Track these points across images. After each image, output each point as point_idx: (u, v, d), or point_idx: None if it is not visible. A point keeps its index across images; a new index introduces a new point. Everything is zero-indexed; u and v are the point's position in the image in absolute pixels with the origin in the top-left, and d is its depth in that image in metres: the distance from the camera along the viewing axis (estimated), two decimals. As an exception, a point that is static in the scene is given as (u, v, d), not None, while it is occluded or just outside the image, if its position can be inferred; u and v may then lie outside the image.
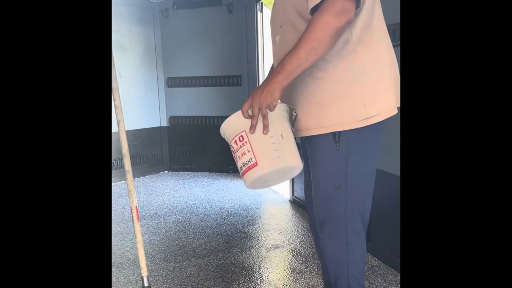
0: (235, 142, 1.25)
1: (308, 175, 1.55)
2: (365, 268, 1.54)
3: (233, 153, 1.30)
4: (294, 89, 1.32)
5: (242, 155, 1.24)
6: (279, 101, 1.26)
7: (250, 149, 1.22)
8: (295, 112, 1.31)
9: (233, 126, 1.26)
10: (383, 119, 1.30)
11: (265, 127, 1.21)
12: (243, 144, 1.23)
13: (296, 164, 1.29)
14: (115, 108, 1.51)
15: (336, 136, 1.30)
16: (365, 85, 1.27)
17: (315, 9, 1.18)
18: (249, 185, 1.28)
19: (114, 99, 1.47)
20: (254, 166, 1.22)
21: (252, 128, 1.21)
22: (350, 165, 1.32)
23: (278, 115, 1.26)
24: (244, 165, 1.25)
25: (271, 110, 1.21)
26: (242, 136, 1.23)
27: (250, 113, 1.22)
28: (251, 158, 1.23)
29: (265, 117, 1.20)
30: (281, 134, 1.24)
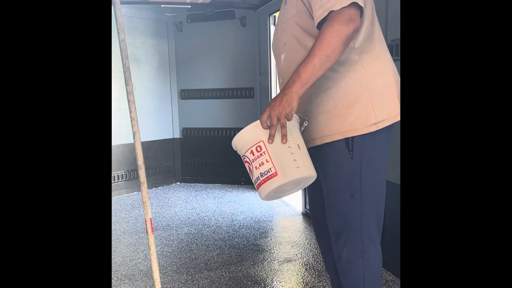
0: (252, 152, 1.25)
1: (312, 190, 1.55)
2: (382, 279, 1.50)
3: (247, 164, 1.29)
4: (304, 100, 1.32)
5: (260, 166, 1.23)
6: None
7: (269, 159, 1.22)
8: (306, 122, 1.32)
9: (250, 137, 1.26)
10: (391, 123, 1.35)
11: (284, 137, 1.21)
12: (260, 155, 1.23)
13: (312, 174, 1.30)
14: (131, 120, 1.53)
15: (349, 143, 1.32)
16: (373, 92, 1.31)
17: (321, 24, 1.24)
18: (265, 196, 1.27)
19: (130, 112, 1.48)
20: (274, 176, 1.22)
21: (271, 137, 1.21)
22: (364, 172, 1.34)
23: (293, 125, 1.27)
24: (261, 176, 1.24)
25: (289, 120, 1.21)
26: (259, 146, 1.23)
27: (268, 123, 1.22)
28: (270, 168, 1.22)
29: (284, 127, 1.21)
30: (298, 144, 1.25)
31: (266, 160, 1.22)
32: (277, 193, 1.32)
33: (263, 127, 1.22)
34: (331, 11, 1.21)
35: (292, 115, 1.21)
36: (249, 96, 4.73)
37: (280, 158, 1.22)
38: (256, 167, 1.25)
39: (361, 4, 1.23)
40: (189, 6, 4.47)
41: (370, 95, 1.31)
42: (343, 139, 1.33)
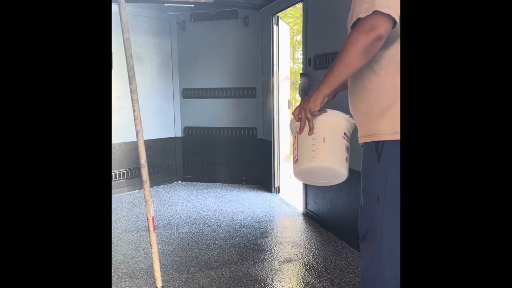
0: (293, 138, 1.49)
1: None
2: None
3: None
4: (351, 99, 1.44)
5: (294, 150, 1.49)
6: (339, 111, 1.46)
7: (296, 147, 1.46)
8: (353, 120, 1.48)
9: (294, 126, 1.47)
10: None
11: (310, 129, 1.40)
12: (294, 142, 1.47)
13: (329, 165, 1.43)
14: (135, 119, 1.54)
15: (379, 147, 1.34)
16: None
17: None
18: (294, 176, 1.53)
19: (134, 110, 1.49)
20: (295, 162, 1.46)
21: (300, 130, 1.41)
22: (390, 177, 1.33)
23: (329, 121, 1.42)
24: (293, 159, 1.49)
25: (314, 115, 1.39)
26: (295, 135, 1.47)
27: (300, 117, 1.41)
28: (295, 155, 1.46)
29: (309, 121, 1.39)
30: (324, 138, 1.41)
31: (295, 147, 1.46)
32: (310, 178, 1.53)
33: (295, 120, 1.43)
34: (359, 18, 1.25)
35: (316, 111, 1.37)
36: (251, 95, 4.74)
37: (302, 148, 1.43)
38: (294, 151, 1.50)
39: (387, 12, 1.21)
40: (193, 5, 4.48)
41: None
42: (373, 141, 1.36)
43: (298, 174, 1.50)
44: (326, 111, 1.44)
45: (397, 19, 1.23)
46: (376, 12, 1.21)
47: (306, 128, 1.41)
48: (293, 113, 1.43)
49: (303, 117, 1.40)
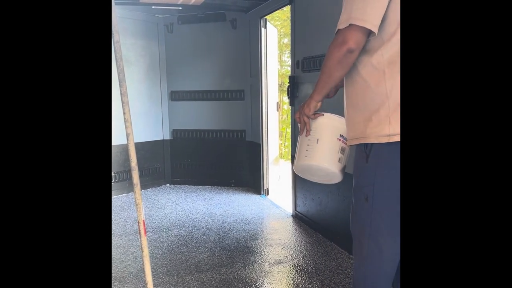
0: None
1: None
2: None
3: None
4: (345, 102, 1.49)
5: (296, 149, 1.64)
6: (335, 114, 1.57)
7: (297, 146, 1.59)
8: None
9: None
10: None
11: (307, 131, 1.54)
12: (298, 142, 1.61)
13: (319, 164, 1.53)
14: (125, 121, 1.53)
15: (367, 149, 1.38)
16: (392, 104, 1.33)
17: None
18: (295, 172, 1.68)
19: (124, 113, 1.48)
20: (295, 159, 1.61)
21: (300, 131, 1.56)
22: (378, 178, 1.36)
23: (323, 124, 1.54)
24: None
25: (310, 118, 1.52)
26: (298, 136, 1.60)
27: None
28: (295, 153, 1.61)
29: (306, 123, 1.53)
30: (318, 139, 1.53)
31: (297, 146, 1.61)
32: (309, 176, 1.66)
33: (297, 122, 1.58)
34: (338, 30, 1.32)
35: (310, 115, 1.51)
36: (239, 98, 4.74)
37: (300, 147, 1.57)
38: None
39: (361, 24, 1.25)
40: (180, 8, 4.47)
41: (390, 107, 1.33)
42: (362, 144, 1.40)
43: (297, 171, 1.65)
44: (323, 115, 1.53)
45: (375, 29, 1.27)
46: (351, 25, 1.27)
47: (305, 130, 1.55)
48: (295, 117, 1.59)
49: (301, 120, 1.53)
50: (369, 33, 1.28)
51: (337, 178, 1.57)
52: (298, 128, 1.61)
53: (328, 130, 1.54)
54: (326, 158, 1.54)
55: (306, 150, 1.54)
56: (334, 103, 1.80)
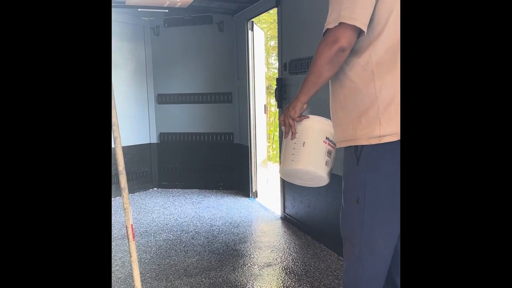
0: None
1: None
2: None
3: None
4: (331, 104, 1.47)
5: (280, 153, 1.61)
6: (321, 116, 1.53)
7: (282, 150, 1.56)
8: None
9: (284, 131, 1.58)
10: (397, 139, 1.31)
11: (292, 134, 1.49)
12: (282, 146, 1.57)
13: (306, 168, 1.50)
14: (112, 125, 1.51)
15: (358, 151, 1.36)
16: (382, 105, 1.32)
17: None
18: (281, 176, 1.67)
19: (111, 116, 1.46)
20: (280, 163, 1.58)
21: (285, 134, 1.52)
22: (368, 180, 1.36)
23: (309, 126, 1.50)
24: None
25: (295, 121, 1.48)
26: (283, 140, 1.56)
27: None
28: (281, 157, 1.58)
29: (291, 126, 1.48)
30: (304, 142, 1.49)
31: (282, 151, 1.57)
32: (295, 179, 1.63)
33: (281, 125, 1.53)
34: (327, 29, 1.30)
35: (296, 117, 1.46)
36: (227, 101, 4.73)
37: (285, 151, 1.53)
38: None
39: (352, 23, 1.24)
40: (167, 10, 4.44)
41: (379, 108, 1.32)
42: (352, 146, 1.38)
43: (282, 175, 1.61)
44: (308, 117, 1.49)
45: (364, 28, 1.26)
46: (341, 24, 1.25)
47: (290, 133, 1.50)
48: (279, 119, 1.52)
49: (286, 123, 1.49)
50: (359, 32, 1.28)
51: (324, 181, 1.54)
52: (283, 131, 1.57)
53: (315, 133, 1.51)
54: (313, 162, 1.51)
55: (293, 154, 1.50)
56: (316, 105, 1.77)
